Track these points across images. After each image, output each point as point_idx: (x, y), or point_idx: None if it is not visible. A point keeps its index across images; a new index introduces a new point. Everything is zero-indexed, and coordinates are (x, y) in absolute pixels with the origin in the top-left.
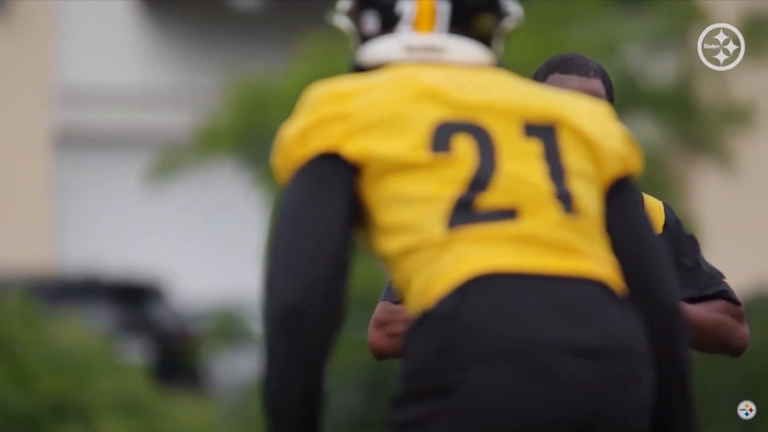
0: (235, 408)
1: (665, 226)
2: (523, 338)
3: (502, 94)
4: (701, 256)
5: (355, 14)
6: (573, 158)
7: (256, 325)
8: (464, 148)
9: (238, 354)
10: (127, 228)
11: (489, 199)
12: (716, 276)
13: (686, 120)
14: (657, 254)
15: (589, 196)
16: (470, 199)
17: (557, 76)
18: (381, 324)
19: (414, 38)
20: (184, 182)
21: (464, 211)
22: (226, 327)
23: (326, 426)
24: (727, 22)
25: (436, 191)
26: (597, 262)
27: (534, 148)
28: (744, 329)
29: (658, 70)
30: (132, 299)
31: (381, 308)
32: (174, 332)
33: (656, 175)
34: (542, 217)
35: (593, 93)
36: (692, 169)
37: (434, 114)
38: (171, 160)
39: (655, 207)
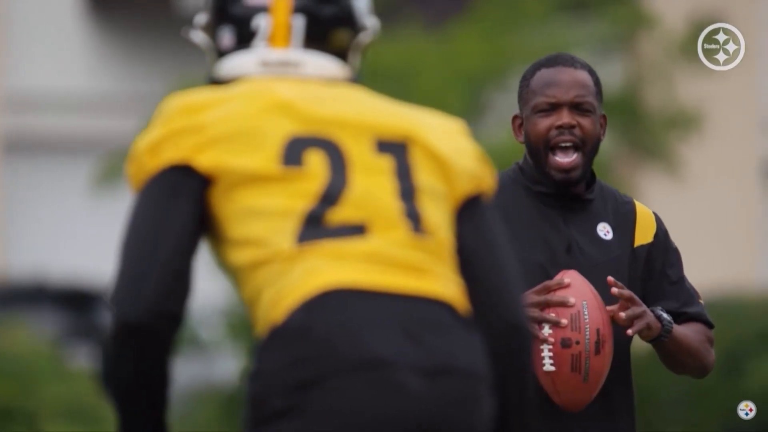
0: (182, 413)
1: (656, 235)
2: (372, 354)
3: (356, 110)
4: (683, 271)
5: (211, 29)
6: (424, 176)
7: (204, 332)
8: (316, 162)
9: (185, 360)
10: (75, 233)
11: (339, 215)
12: (695, 294)
13: (634, 125)
14: (509, 272)
15: (438, 215)
16: (320, 214)
17: (544, 71)
18: None
19: (269, 53)
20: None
21: (314, 226)
22: None
23: None
24: (674, 28)
25: (286, 205)
26: (443, 283)
27: (385, 164)
28: (713, 353)
29: (606, 75)
30: (79, 305)
31: None
32: None
33: (604, 180)
34: (391, 235)
35: (582, 83)
36: (640, 175)
37: (287, 128)
38: (118, 165)
39: (647, 216)
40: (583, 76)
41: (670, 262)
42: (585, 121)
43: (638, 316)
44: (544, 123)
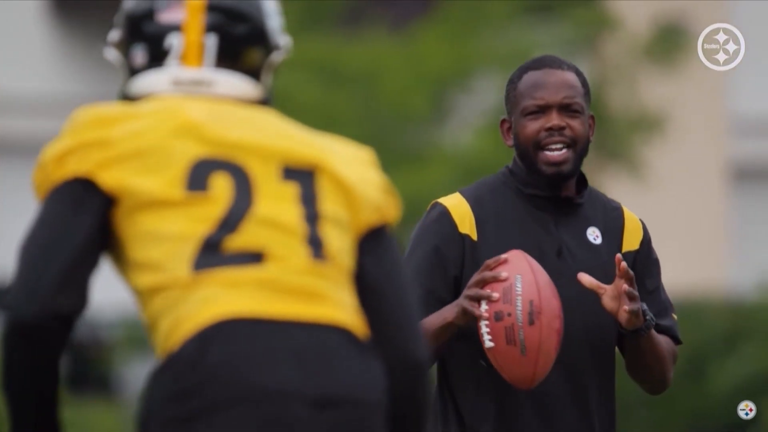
0: None
1: (641, 242)
2: (260, 386)
3: (265, 135)
4: (661, 282)
5: (124, 47)
6: (329, 204)
7: None
8: (221, 186)
9: (149, 361)
10: None
11: (237, 241)
12: (669, 308)
13: (597, 127)
14: (408, 306)
15: (340, 243)
16: (218, 240)
17: (531, 74)
18: None
19: (182, 72)
20: None
21: (211, 253)
22: (137, 335)
23: None
24: (638, 30)
25: (186, 230)
26: (341, 309)
27: (291, 191)
28: (672, 371)
29: None
30: None
31: None
32: (85, 340)
33: None
34: (289, 262)
35: (570, 84)
36: (604, 176)
37: (193, 151)
38: None
39: (635, 223)
40: (571, 77)
41: (649, 272)
42: (574, 122)
43: (635, 297)
44: (533, 126)
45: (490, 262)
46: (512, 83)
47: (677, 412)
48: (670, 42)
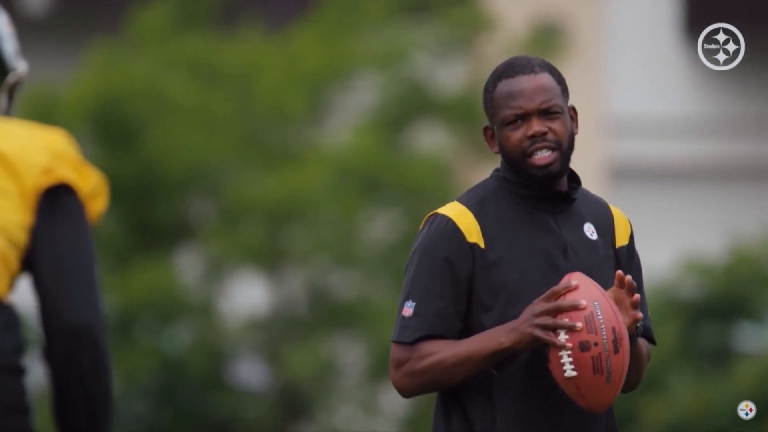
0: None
1: (630, 237)
2: None
3: None
4: (642, 282)
5: None
6: None
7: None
8: None
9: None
10: None
11: None
12: (646, 307)
13: (475, 127)
14: (74, 269)
15: None
16: None
17: (505, 83)
18: (398, 364)
19: None
20: None
21: None
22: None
23: None
24: (515, 30)
25: None
26: None
27: None
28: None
29: (446, 77)
30: None
31: (396, 349)
32: None
33: (445, 181)
34: None
35: (545, 87)
36: (481, 175)
37: None
38: None
39: (622, 217)
40: (545, 79)
41: (634, 269)
42: (555, 125)
43: (638, 305)
44: (515, 135)
45: (558, 289)
46: (488, 93)
47: None
48: (547, 42)
